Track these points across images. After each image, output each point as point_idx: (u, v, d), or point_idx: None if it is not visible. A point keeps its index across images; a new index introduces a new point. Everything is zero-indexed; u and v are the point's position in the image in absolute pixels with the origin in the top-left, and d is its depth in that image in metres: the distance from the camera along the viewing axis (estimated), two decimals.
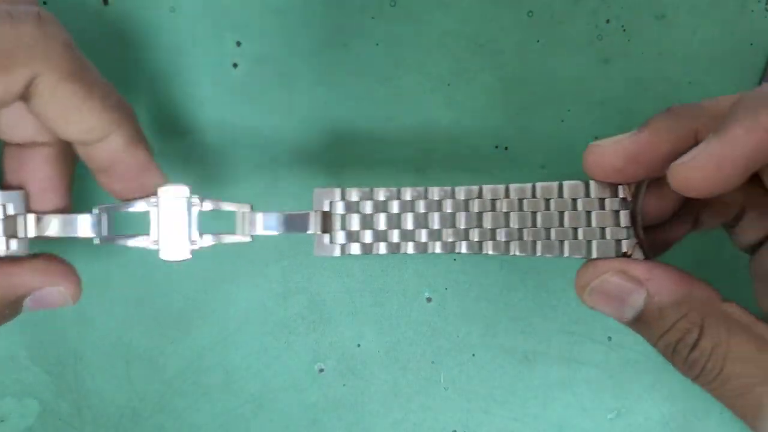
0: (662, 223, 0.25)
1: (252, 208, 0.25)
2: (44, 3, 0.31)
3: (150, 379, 0.32)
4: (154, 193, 0.24)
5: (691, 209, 0.25)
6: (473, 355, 0.33)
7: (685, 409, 0.33)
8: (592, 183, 0.24)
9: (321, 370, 0.33)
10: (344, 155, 0.32)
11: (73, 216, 0.24)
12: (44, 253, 0.25)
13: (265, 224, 0.25)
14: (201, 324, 0.32)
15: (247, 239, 0.25)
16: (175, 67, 0.31)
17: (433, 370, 0.33)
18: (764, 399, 0.20)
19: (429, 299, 0.33)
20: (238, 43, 0.31)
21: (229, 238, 0.25)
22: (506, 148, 0.32)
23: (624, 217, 0.23)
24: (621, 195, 0.24)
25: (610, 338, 0.33)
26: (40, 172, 0.25)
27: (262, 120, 0.32)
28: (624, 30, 0.32)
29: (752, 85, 0.32)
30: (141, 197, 0.25)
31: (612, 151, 0.22)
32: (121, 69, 0.31)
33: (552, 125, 0.32)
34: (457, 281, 0.33)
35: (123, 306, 0.32)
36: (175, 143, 0.32)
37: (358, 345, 0.33)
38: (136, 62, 0.31)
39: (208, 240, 0.25)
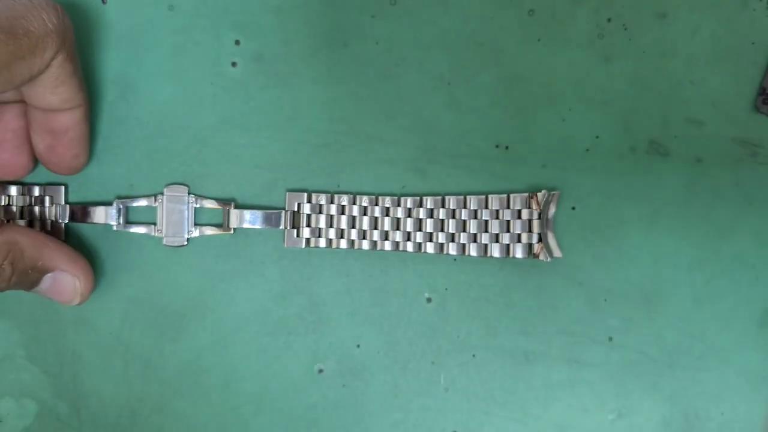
0: None
1: (235, 206, 0.31)
2: None
3: (149, 379, 0.32)
4: (161, 193, 0.31)
5: None
6: (473, 355, 0.33)
7: (686, 410, 0.33)
8: (512, 196, 0.31)
9: (320, 371, 0.33)
10: (343, 155, 0.32)
11: (98, 207, 0.31)
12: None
13: (246, 219, 0.31)
14: (200, 324, 0.32)
15: (230, 232, 0.31)
16: (173, 66, 0.31)
17: (433, 371, 0.33)
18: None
19: (429, 299, 0.33)
20: (237, 42, 0.31)
21: (215, 231, 0.31)
22: (507, 148, 0.32)
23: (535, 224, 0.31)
24: (534, 207, 0.31)
25: (611, 339, 0.33)
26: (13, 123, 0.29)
27: (260, 119, 0.32)
28: (625, 29, 0.32)
29: (753, 84, 0.32)
30: (66, 167, 0.30)
31: None
32: (119, 67, 0.31)
33: (553, 124, 0.32)
34: (457, 281, 0.32)
35: (122, 306, 0.32)
36: (172, 142, 0.32)
37: (358, 345, 0.32)
38: (135, 61, 0.31)
39: (200, 231, 0.31)
